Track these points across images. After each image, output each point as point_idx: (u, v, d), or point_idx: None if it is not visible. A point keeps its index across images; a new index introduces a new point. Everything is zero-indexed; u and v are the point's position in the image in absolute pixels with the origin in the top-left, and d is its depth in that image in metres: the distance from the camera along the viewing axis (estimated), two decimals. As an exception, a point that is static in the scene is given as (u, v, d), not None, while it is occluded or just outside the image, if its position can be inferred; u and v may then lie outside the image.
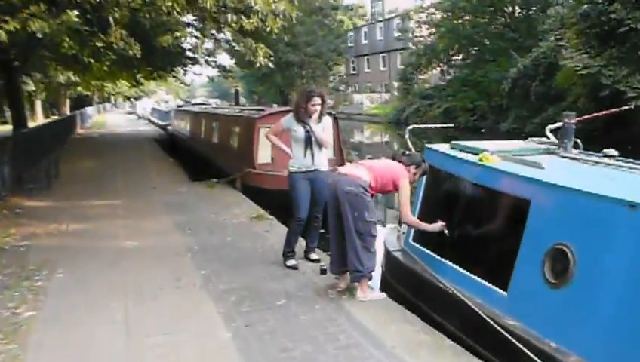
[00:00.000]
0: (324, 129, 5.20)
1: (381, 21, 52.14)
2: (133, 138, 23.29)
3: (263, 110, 10.28)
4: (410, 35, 33.84)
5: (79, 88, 51.28)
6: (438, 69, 33.45)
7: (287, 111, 10.20)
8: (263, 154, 9.70)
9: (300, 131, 5.15)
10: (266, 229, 7.14)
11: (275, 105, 14.72)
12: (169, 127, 24.57)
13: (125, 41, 7.98)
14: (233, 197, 9.21)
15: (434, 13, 31.01)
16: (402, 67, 45.03)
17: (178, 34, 9.24)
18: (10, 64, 21.99)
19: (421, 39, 33.07)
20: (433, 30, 32.00)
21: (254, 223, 7.48)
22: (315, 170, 5.25)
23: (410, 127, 6.27)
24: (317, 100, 5.08)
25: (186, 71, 23.83)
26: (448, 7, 28.74)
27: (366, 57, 56.67)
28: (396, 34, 43.57)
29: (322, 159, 5.31)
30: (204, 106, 19.68)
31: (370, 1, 57.39)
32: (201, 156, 14.35)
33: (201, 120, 15.32)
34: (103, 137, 23.72)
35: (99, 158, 15.39)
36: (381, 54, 53.81)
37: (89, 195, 9.57)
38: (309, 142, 5.15)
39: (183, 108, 21.49)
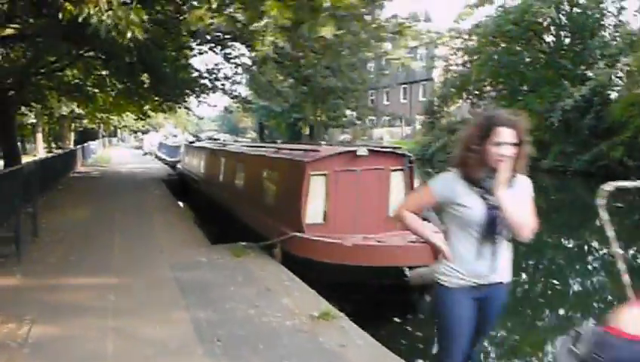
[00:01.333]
0: (521, 199, 2.61)
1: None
2: (138, 178, 20.84)
3: (315, 150, 7.71)
4: (444, 63, 31.62)
5: (85, 121, 49.89)
6: (468, 101, 31.11)
7: (349, 153, 7.72)
8: (313, 210, 7.16)
9: (474, 206, 2.55)
10: (342, 343, 4.52)
11: (323, 143, 11.56)
12: (178, 165, 22.17)
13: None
14: (274, 275, 6.57)
15: (470, 39, 28.87)
16: (424, 99, 42.93)
17: (213, 19, 6.49)
18: (4, 93, 19.97)
19: (456, 67, 30.92)
20: (466, 57, 29.84)
21: (318, 327, 4.86)
22: (499, 283, 2.66)
23: (609, 186, 3.67)
24: (506, 134, 2.52)
25: (200, 101, 21.70)
26: (490, 32, 26.51)
27: (385, 89, 54.56)
28: (421, 64, 41.52)
29: (507, 260, 2.71)
30: (220, 142, 17.25)
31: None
32: (219, 205, 11.82)
33: (220, 159, 12.85)
34: (104, 176, 21.31)
35: (95, 205, 12.89)
36: (402, 86, 51.62)
37: (72, 268, 6.99)
38: (492, 228, 2.55)
39: (195, 144, 19.08)
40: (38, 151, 42.29)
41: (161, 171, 24.46)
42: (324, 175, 7.13)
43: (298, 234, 6.96)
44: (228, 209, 10.95)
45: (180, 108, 23.55)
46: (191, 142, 20.51)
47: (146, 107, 27.76)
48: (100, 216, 11.20)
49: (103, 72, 25.58)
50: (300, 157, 7.44)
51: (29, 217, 8.81)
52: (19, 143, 49.33)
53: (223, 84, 20.01)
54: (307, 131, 63.34)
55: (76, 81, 25.55)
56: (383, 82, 54.99)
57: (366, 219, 7.24)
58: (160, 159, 33.38)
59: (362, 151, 7.18)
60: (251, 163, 10.14)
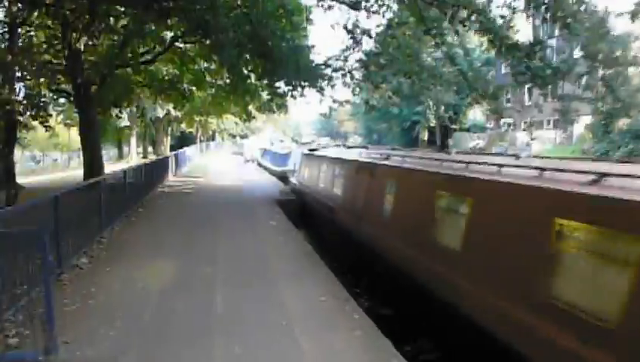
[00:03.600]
0: None
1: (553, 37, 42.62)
2: (242, 196, 16.47)
3: None
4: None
5: (182, 125, 47.75)
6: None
7: None
8: None
9: None
10: None
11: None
12: (292, 179, 17.69)
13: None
14: None
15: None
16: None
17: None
18: (86, 89, 16.65)
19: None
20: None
21: None
22: None
23: None
24: None
25: (322, 92, 17.08)
26: None
27: (526, 86, 47.17)
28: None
29: None
30: (359, 150, 12.28)
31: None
32: (391, 263, 6.92)
33: (385, 183, 7.92)
34: (199, 193, 17.22)
35: (182, 251, 8.42)
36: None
37: None
38: None
39: (319, 153, 14.34)
40: (132, 157, 40.35)
41: (269, 185, 20.12)
42: None
43: None
44: (418, 277, 5.99)
45: (295, 100, 19.06)
46: (311, 150, 15.81)
47: (252, 107, 23.88)
48: (188, 282, 6.59)
49: (203, 64, 22.07)
50: None
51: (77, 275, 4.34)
52: (114, 148, 48.35)
53: (363, 70, 15.25)
54: (426, 136, 57.36)
55: (170, 76, 22.28)
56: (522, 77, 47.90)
57: None
58: (265, 168, 29.44)
59: None
60: (509, 203, 4.94)
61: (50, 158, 42.67)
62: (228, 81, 20.58)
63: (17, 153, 22.26)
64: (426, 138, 56.63)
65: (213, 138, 71.18)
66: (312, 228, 12.49)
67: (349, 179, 10.06)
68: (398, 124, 56.71)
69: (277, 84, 17.45)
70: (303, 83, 16.75)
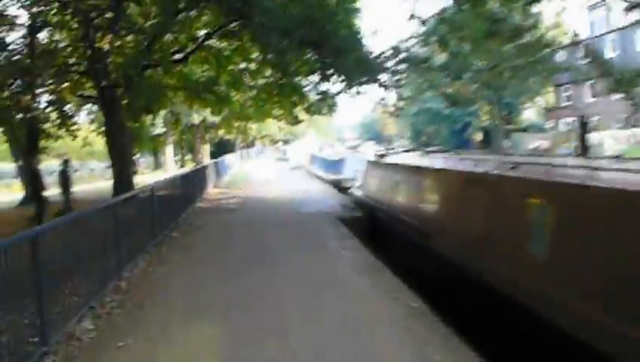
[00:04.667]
0: None
1: (613, 31, 38.72)
2: (296, 213, 13.79)
3: None
4: None
5: (221, 131, 45.62)
6: None
7: None
8: None
9: None
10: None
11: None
12: (356, 192, 15.00)
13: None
14: None
15: None
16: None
17: None
18: (112, 91, 14.56)
19: None
20: None
21: None
22: None
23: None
24: None
25: (386, 87, 14.52)
26: None
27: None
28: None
29: None
30: (451, 157, 9.56)
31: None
32: (550, 323, 4.21)
33: (546, 207, 5.21)
34: (244, 210, 14.68)
35: (227, 311, 5.88)
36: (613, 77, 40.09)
37: None
38: None
39: (399, 161, 11.53)
40: (168, 166, 38.35)
41: (325, 197, 17.47)
42: None
43: None
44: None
45: (353, 98, 16.54)
46: (381, 156, 13.07)
47: (298, 108, 21.38)
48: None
49: (242, 64, 19.79)
50: None
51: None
52: (152, 157, 46.70)
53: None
54: (479, 138, 53.74)
55: (205, 78, 20.01)
56: (579, 75, 44.05)
57: None
58: (315, 176, 26.91)
59: None
60: None
61: (87, 167, 41.47)
62: (271, 80, 18.17)
63: (53, 162, 20.80)
64: (479, 139, 53.13)
65: (252, 144, 69.10)
66: (386, 250, 9.81)
67: (456, 195, 7.34)
68: (447, 126, 53.39)
69: (331, 80, 15.01)
70: (362, 78, 14.25)
